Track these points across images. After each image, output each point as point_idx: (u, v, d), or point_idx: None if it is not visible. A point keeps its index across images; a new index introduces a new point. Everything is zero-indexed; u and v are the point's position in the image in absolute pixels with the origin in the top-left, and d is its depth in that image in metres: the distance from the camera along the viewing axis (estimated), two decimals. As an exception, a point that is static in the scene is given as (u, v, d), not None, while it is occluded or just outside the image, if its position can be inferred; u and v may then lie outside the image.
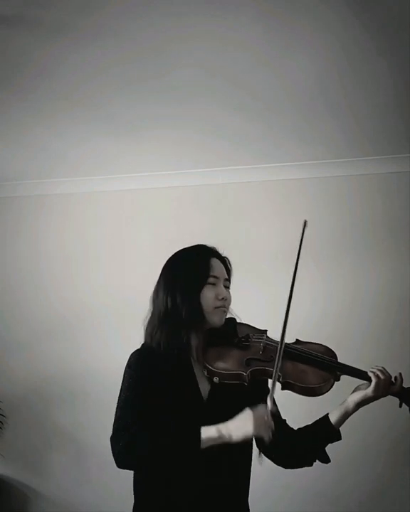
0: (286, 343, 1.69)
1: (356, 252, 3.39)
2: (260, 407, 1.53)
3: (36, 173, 3.72)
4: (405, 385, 1.68)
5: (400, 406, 1.69)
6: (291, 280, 1.73)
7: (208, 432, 1.52)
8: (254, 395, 1.65)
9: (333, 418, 1.71)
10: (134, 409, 1.61)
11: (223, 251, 1.83)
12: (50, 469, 3.59)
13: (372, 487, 3.16)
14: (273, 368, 1.59)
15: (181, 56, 2.32)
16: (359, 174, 3.42)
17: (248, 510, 1.73)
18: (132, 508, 1.70)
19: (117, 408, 1.64)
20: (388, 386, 1.65)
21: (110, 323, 3.56)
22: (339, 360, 1.73)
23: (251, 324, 1.81)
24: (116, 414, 1.63)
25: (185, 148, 3.29)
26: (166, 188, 3.68)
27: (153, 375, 1.64)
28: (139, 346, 1.72)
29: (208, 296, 1.69)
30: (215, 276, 1.72)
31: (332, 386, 1.66)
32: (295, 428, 1.79)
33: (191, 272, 1.71)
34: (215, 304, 1.70)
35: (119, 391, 1.66)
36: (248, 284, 3.31)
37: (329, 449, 1.72)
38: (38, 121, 2.93)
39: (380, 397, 1.66)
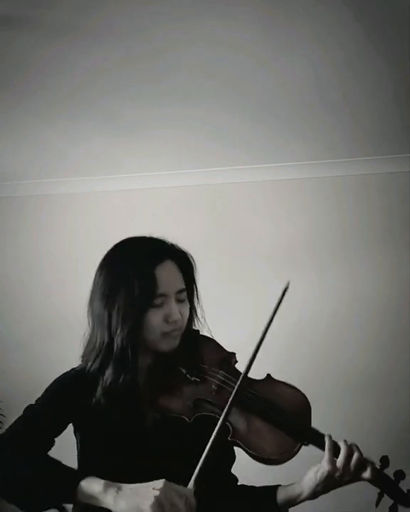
0: (247, 389, 1.32)
1: (355, 252, 3.39)
2: (178, 488, 1.13)
3: (37, 173, 3.72)
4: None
5: (377, 503, 1.30)
6: (262, 332, 1.33)
7: (92, 484, 1.14)
8: (206, 430, 1.25)
9: (280, 497, 1.33)
10: (37, 423, 1.32)
11: (176, 241, 1.44)
12: (50, 469, 3.59)
13: (374, 490, 3.15)
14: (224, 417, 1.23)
15: (182, 58, 2.33)
16: (359, 174, 3.42)
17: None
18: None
19: (24, 410, 1.37)
20: (355, 464, 1.26)
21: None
22: (311, 424, 1.33)
23: (219, 341, 1.46)
24: (17, 418, 1.36)
25: (185, 148, 3.30)
26: (166, 188, 3.69)
27: (84, 400, 1.34)
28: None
29: (153, 321, 1.32)
30: (162, 295, 1.32)
31: (295, 453, 1.28)
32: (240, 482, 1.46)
33: (130, 292, 1.30)
34: (163, 330, 1.33)
35: None
36: (246, 284, 3.32)
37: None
38: (38, 121, 2.93)
39: (344, 480, 1.28)
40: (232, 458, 1.45)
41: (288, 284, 1.35)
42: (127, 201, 3.76)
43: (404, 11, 2.01)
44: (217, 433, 1.20)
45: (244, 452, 1.29)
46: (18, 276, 3.84)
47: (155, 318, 1.32)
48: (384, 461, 1.34)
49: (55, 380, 1.41)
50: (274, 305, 1.33)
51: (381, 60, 2.35)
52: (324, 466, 1.26)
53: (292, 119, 2.89)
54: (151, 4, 1.98)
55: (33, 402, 1.41)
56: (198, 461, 1.19)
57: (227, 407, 1.24)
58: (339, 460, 1.26)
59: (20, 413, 1.43)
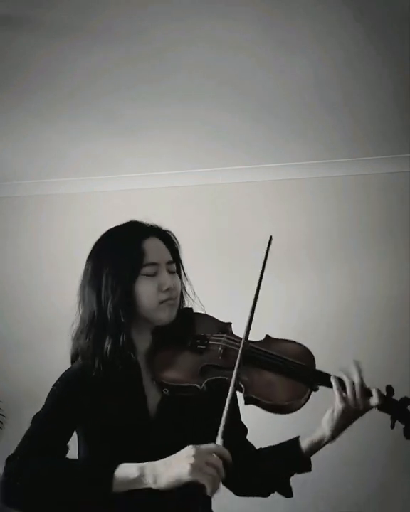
0: (251, 345, 1.39)
1: (354, 252, 3.39)
2: (206, 447, 1.14)
3: (37, 173, 3.72)
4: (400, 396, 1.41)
5: (392, 426, 1.39)
6: (258, 280, 1.45)
7: (126, 471, 1.15)
8: (214, 406, 1.28)
9: (304, 444, 1.41)
10: (52, 430, 1.29)
11: (160, 223, 1.51)
12: (50, 469, 3.59)
13: (375, 487, 3.15)
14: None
15: (182, 58, 2.33)
16: (358, 174, 3.42)
17: None
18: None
19: (32, 421, 1.33)
20: (360, 392, 1.34)
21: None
22: (317, 367, 1.43)
23: (214, 316, 1.52)
24: (27, 431, 1.32)
25: (185, 148, 3.30)
26: (166, 188, 3.69)
27: (86, 397, 1.33)
28: None
29: (148, 290, 1.35)
30: (153, 263, 1.36)
31: (307, 400, 1.36)
32: (258, 446, 1.52)
33: (118, 262, 1.35)
34: (159, 298, 1.36)
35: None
36: (246, 284, 3.31)
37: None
38: (38, 121, 2.93)
39: (358, 411, 1.36)
40: (244, 429, 1.52)
41: (271, 238, 1.44)
42: (127, 201, 3.76)
43: (404, 11, 2.01)
44: (233, 386, 1.24)
45: (261, 408, 1.34)
46: (18, 276, 3.84)
47: (149, 287, 1.35)
48: (390, 389, 1.40)
49: (56, 383, 1.39)
50: (262, 259, 1.43)
51: (381, 60, 2.35)
52: (337, 405, 1.35)
53: (292, 119, 2.89)
54: (151, 4, 1.98)
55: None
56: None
57: (238, 359, 1.28)
58: (348, 393, 1.34)
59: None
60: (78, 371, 1.38)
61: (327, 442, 1.40)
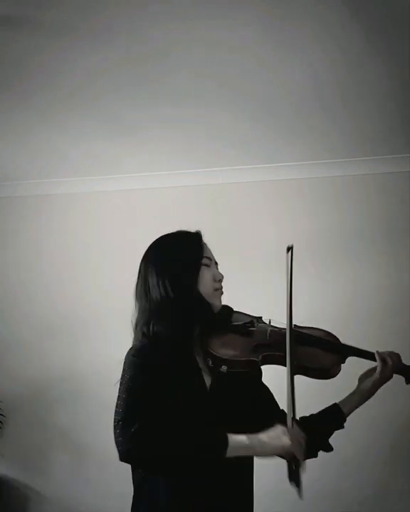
0: (292, 329, 1.60)
1: (354, 252, 3.39)
2: (296, 429, 1.40)
3: (37, 173, 3.72)
4: None
5: (406, 382, 1.69)
6: (289, 283, 1.68)
7: (237, 439, 1.38)
8: (253, 385, 1.62)
9: (346, 407, 1.68)
10: (148, 396, 1.43)
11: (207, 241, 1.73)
12: (50, 469, 3.59)
13: (374, 486, 3.15)
14: (282, 353, 1.50)
15: (182, 58, 2.33)
16: (358, 174, 3.42)
17: None
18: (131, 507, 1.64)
19: (122, 395, 1.45)
20: (393, 366, 1.66)
21: (111, 322, 3.56)
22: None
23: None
24: (122, 402, 1.44)
25: (185, 148, 3.30)
26: (166, 188, 3.69)
27: (158, 367, 1.48)
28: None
29: (206, 277, 1.58)
30: (209, 258, 1.62)
31: (340, 369, 1.64)
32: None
33: (186, 254, 1.60)
34: (214, 286, 1.59)
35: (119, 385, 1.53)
36: (245, 284, 3.32)
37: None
38: (39, 121, 2.94)
39: (387, 380, 1.67)
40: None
41: (292, 247, 1.68)
42: (127, 201, 3.76)
43: (404, 11, 2.02)
44: (290, 355, 1.48)
45: (308, 375, 1.57)
46: (18, 276, 3.85)
47: (207, 275, 1.58)
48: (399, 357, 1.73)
49: (131, 357, 1.50)
50: (288, 270, 1.67)
51: (381, 60, 2.35)
52: (377, 374, 1.65)
53: (292, 119, 2.89)
54: (151, 4, 1.99)
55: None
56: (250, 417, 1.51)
57: (288, 336, 1.51)
58: (388, 367, 1.66)
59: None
60: (147, 346, 1.51)
61: (363, 402, 1.69)
